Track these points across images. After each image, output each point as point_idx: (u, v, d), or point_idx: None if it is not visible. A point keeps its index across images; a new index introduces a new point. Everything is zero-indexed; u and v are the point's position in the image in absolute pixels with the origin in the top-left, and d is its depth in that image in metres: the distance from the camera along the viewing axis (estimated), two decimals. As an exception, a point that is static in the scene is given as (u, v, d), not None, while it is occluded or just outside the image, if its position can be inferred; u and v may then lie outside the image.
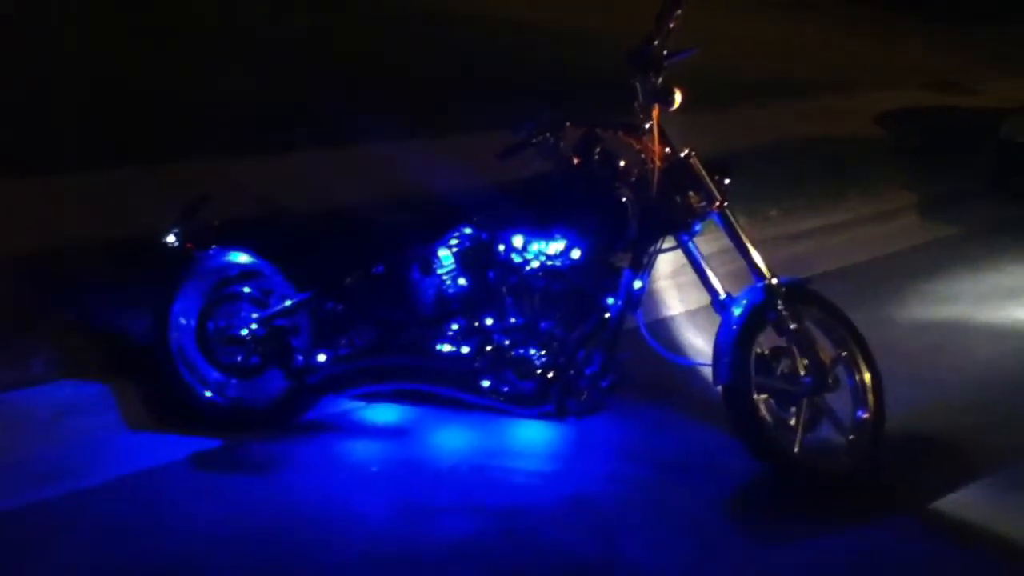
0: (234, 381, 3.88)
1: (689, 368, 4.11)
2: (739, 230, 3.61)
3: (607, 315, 3.63)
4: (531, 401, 3.64)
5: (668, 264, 4.80)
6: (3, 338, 3.87)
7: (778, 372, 3.54)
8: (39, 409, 3.71)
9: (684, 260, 3.71)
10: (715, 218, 3.61)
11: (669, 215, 3.60)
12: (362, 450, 3.76)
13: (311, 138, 6.27)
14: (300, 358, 3.78)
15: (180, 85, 6.83)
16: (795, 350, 3.52)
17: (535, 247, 3.64)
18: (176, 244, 3.84)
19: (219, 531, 3.17)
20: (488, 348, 3.66)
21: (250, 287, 3.86)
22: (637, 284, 3.63)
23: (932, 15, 13.84)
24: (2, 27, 7.08)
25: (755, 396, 3.44)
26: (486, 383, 3.66)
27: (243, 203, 4.52)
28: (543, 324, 3.66)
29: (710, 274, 3.65)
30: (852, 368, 3.65)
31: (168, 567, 3.01)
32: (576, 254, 3.63)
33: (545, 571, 3.05)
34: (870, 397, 3.62)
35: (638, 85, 3.59)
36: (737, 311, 3.51)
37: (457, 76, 7.88)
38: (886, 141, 8.45)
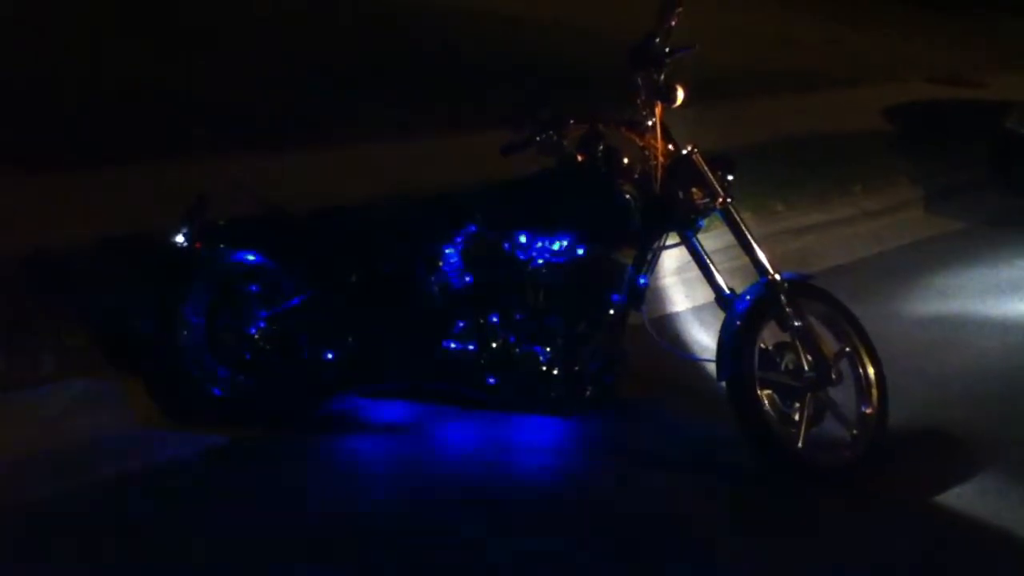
0: (242, 378, 3.91)
1: (693, 363, 4.13)
2: (743, 226, 3.63)
3: (611, 311, 3.66)
4: (536, 397, 3.67)
5: (673, 260, 4.82)
6: (12, 336, 3.90)
7: (782, 367, 3.56)
8: (48, 406, 3.72)
9: (688, 256, 3.73)
10: (719, 214, 3.63)
11: (673, 212, 3.62)
12: (369, 446, 3.78)
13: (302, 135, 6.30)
14: (307, 355, 3.81)
15: (172, 77, 6.84)
16: (799, 345, 3.54)
17: (539, 244, 3.66)
18: (185, 243, 3.87)
19: (226, 527, 3.20)
20: (493, 345, 3.69)
21: (257, 285, 3.88)
22: (641, 280, 3.66)
23: (942, 6, 13.84)
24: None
25: (759, 391, 3.46)
26: (491, 380, 3.68)
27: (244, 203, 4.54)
28: (548, 321, 3.68)
29: (714, 270, 3.68)
30: (855, 363, 3.67)
31: (174, 563, 3.03)
32: (580, 251, 3.65)
33: (546, 566, 3.07)
34: (873, 392, 3.64)
35: (640, 82, 3.61)
36: (741, 307, 3.54)
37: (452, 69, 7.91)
38: (892, 134, 8.44)
